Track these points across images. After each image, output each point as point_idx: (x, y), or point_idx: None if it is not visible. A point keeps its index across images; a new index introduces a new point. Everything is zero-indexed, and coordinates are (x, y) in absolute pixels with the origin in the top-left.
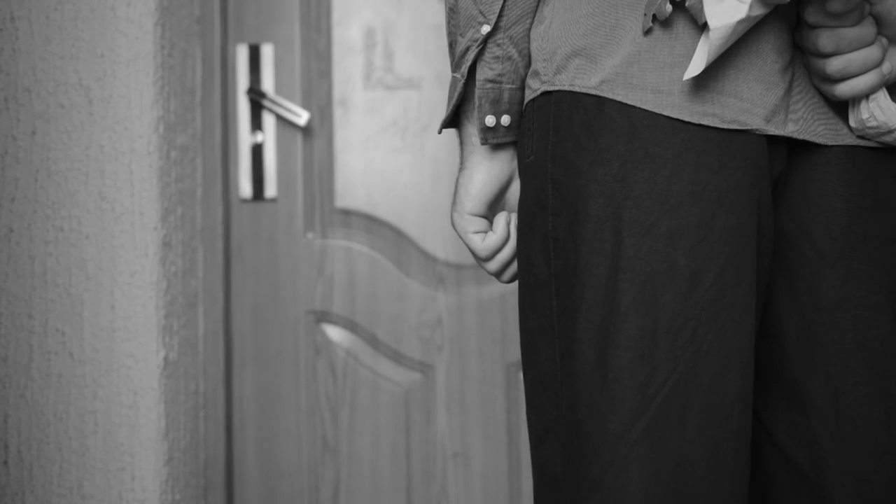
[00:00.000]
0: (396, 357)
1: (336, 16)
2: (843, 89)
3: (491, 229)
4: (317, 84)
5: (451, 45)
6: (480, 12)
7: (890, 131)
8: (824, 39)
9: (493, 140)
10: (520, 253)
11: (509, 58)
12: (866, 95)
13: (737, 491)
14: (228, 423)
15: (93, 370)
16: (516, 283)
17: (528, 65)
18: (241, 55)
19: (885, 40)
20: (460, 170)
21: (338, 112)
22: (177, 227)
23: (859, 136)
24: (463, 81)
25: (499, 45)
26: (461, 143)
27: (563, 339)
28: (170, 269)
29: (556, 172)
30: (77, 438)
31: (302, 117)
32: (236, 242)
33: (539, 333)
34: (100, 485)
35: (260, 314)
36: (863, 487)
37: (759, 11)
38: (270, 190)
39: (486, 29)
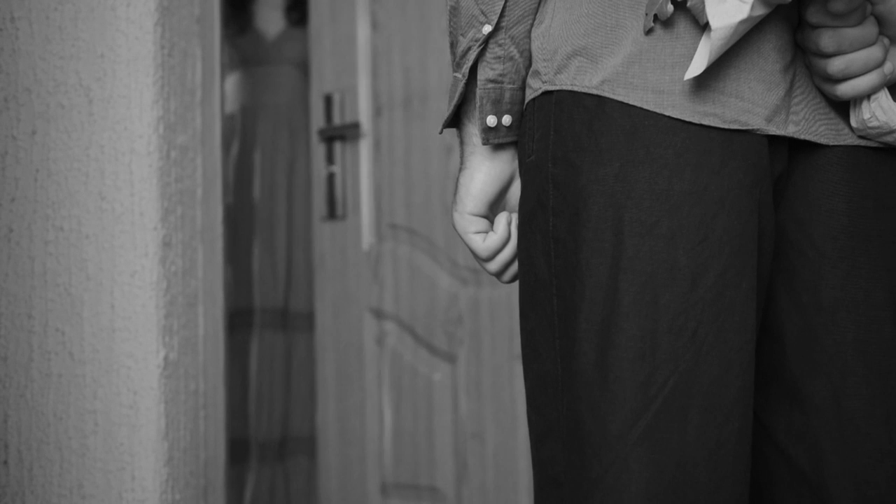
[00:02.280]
0: (430, 348)
1: (384, 66)
2: (845, 89)
3: (492, 229)
4: (374, 122)
5: (452, 45)
6: (482, 12)
7: (891, 131)
8: (826, 39)
9: (495, 140)
10: (520, 253)
11: (511, 58)
12: (868, 96)
13: (737, 491)
14: (315, 399)
15: (93, 370)
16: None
17: (529, 65)
18: (319, 103)
19: (886, 40)
20: (461, 170)
21: (386, 145)
22: (177, 227)
23: (861, 137)
24: (464, 81)
25: (500, 45)
26: (462, 143)
27: (564, 339)
28: (170, 269)
29: (556, 172)
30: (77, 438)
31: (362, 151)
32: (319, 253)
33: (539, 333)
34: (100, 485)
35: (337, 311)
36: (864, 488)
37: (761, 11)
38: (340, 210)
39: (487, 29)
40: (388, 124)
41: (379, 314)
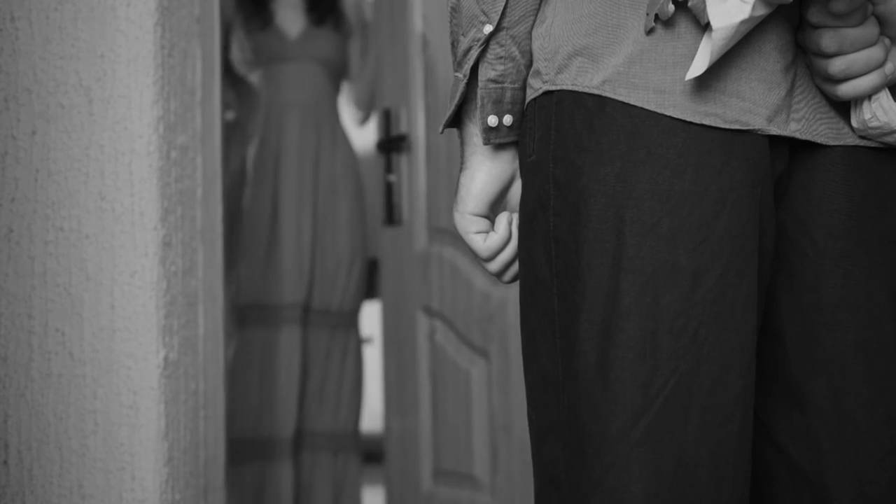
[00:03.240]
0: (469, 344)
1: (431, 81)
2: (846, 90)
3: (492, 229)
4: (424, 134)
5: (454, 45)
6: (483, 11)
7: (892, 132)
8: (827, 40)
9: (496, 140)
10: (521, 253)
11: (512, 57)
12: (869, 96)
13: (738, 491)
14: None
15: (93, 370)
16: None
17: (530, 64)
18: (380, 118)
19: (887, 41)
20: (462, 170)
21: (433, 154)
22: (177, 227)
23: (861, 137)
24: (465, 81)
25: (501, 45)
26: (462, 143)
27: (565, 339)
28: (170, 269)
29: (557, 172)
30: (77, 438)
31: (416, 161)
32: (382, 255)
33: (540, 333)
34: (100, 485)
35: (397, 309)
36: (864, 488)
37: (762, 11)
38: (398, 216)
39: (488, 28)
40: (434, 135)
41: (428, 311)
